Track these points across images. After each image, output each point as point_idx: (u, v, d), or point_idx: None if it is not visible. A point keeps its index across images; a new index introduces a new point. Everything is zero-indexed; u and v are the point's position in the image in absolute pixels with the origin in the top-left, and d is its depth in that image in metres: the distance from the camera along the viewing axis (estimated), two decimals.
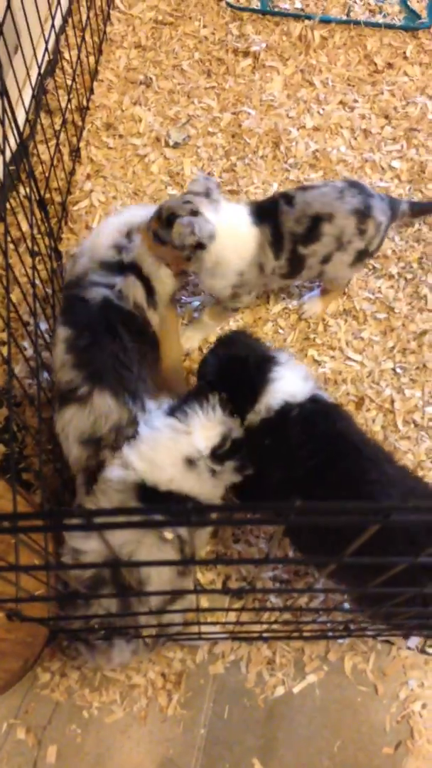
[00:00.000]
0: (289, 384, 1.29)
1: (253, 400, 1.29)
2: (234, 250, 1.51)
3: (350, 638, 1.42)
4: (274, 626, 1.37)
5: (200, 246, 1.46)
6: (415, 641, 1.42)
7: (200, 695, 1.39)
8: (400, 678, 1.40)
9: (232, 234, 1.50)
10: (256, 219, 1.53)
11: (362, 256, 1.57)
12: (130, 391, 1.39)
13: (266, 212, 1.54)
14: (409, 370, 1.66)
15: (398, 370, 1.66)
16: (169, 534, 1.20)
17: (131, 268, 1.48)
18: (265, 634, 1.39)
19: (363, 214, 1.54)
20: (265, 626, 1.35)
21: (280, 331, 1.71)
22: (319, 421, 1.26)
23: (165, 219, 1.45)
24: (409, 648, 1.42)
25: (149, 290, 1.50)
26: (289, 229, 1.52)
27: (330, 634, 1.40)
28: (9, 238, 1.40)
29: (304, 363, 1.67)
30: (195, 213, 1.46)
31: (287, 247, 1.53)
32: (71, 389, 1.37)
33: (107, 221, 1.56)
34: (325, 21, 2.07)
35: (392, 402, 1.62)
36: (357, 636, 1.41)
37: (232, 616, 1.40)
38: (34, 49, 1.70)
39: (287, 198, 1.55)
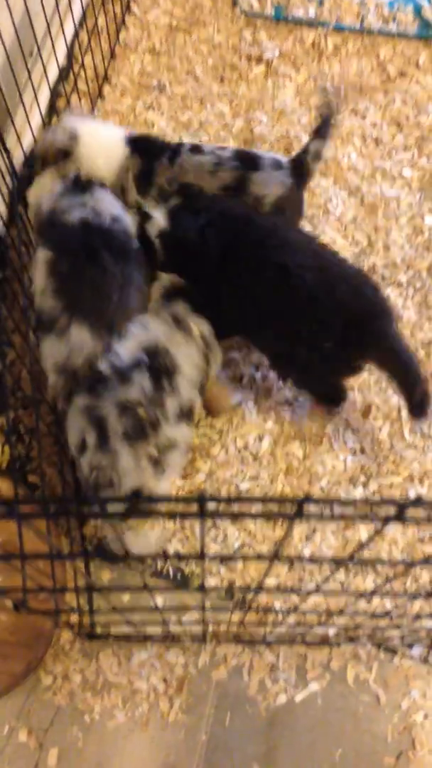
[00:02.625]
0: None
1: None
2: (102, 160, 1.55)
3: (352, 645, 1.42)
4: (278, 630, 1.36)
5: (67, 154, 1.51)
6: (418, 651, 1.41)
7: (202, 701, 1.39)
8: (403, 688, 1.39)
9: (98, 140, 1.55)
10: (130, 145, 1.57)
11: None
12: (107, 322, 1.37)
13: (145, 148, 1.58)
14: None
15: None
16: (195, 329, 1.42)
17: (89, 183, 1.51)
18: (268, 638, 1.39)
19: (234, 190, 1.53)
20: (269, 628, 1.35)
21: None
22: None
23: (55, 155, 1.53)
24: (411, 657, 1.41)
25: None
26: (160, 184, 1.55)
27: (333, 640, 1.40)
28: None
29: None
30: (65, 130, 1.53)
31: (152, 193, 1.56)
32: (51, 320, 1.36)
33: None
34: (339, 29, 2.07)
35: (399, 410, 1.62)
36: (359, 643, 1.41)
37: (235, 618, 1.40)
38: (55, 52, 1.71)
39: (174, 153, 1.56)
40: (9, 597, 0.94)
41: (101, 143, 1.56)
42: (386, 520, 0.66)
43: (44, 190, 1.54)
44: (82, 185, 1.50)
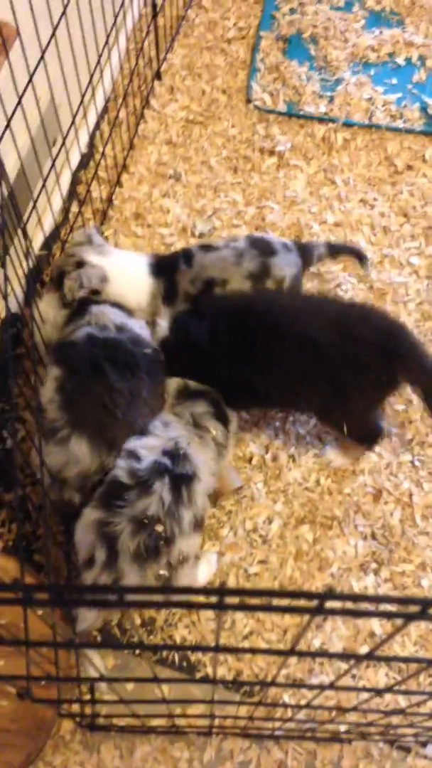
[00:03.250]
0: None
1: None
2: (131, 294, 1.58)
3: (364, 743, 1.36)
4: (287, 725, 1.32)
5: (96, 293, 1.52)
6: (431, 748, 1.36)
7: None
8: None
9: (126, 277, 1.57)
10: (153, 270, 1.60)
11: None
12: (108, 440, 1.38)
13: (164, 266, 1.61)
14: (427, 464, 1.66)
15: (416, 463, 1.65)
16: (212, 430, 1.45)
17: (86, 301, 1.54)
18: (276, 732, 1.34)
19: (258, 277, 1.59)
20: (277, 723, 1.30)
21: (291, 423, 1.72)
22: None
23: (56, 280, 1.52)
24: (426, 757, 1.35)
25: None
26: (184, 289, 1.58)
27: (344, 737, 1.34)
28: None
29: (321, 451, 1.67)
30: (80, 264, 1.53)
31: (179, 306, 1.59)
32: (53, 429, 1.38)
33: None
34: (348, 124, 2.17)
35: (410, 495, 1.61)
36: (372, 740, 1.35)
37: (243, 711, 1.35)
38: (78, 141, 1.79)
39: (187, 257, 1.60)
40: (11, 684, 0.91)
41: (130, 281, 1.59)
42: (409, 618, 0.65)
43: (50, 312, 1.59)
44: (83, 304, 1.55)
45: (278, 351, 1.48)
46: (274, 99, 2.22)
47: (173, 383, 1.52)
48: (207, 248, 1.63)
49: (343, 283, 1.90)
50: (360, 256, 1.84)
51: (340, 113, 2.19)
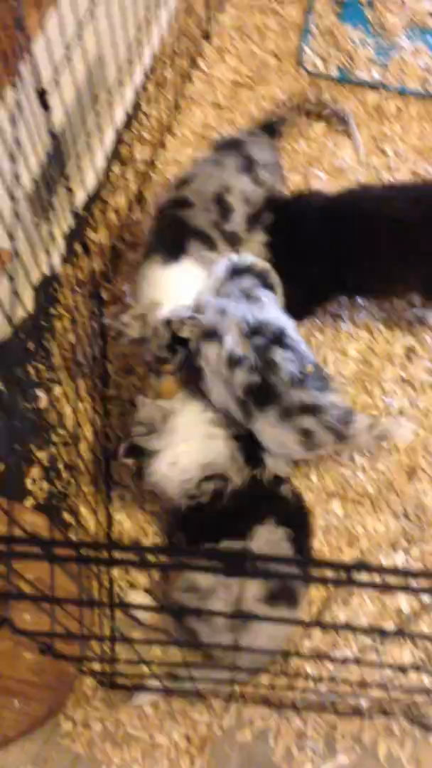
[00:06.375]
0: None
1: None
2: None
3: (385, 719, 1.35)
4: (309, 696, 1.31)
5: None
6: None
7: (224, 764, 1.34)
8: None
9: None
10: None
11: None
12: None
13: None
14: None
15: None
16: None
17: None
18: (297, 703, 1.34)
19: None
20: (299, 694, 1.30)
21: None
22: None
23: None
24: None
25: None
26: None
27: (365, 711, 1.34)
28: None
29: None
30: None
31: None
32: None
33: None
34: (402, 93, 2.10)
35: None
36: (393, 717, 1.34)
37: (265, 680, 1.35)
38: (123, 100, 1.76)
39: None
40: (36, 640, 0.92)
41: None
42: None
43: None
44: None
45: (372, 239, 1.57)
46: (326, 64, 2.16)
47: (221, 266, 1.51)
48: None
49: None
50: (339, 116, 1.89)
51: (393, 81, 2.12)
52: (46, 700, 1.34)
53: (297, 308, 1.58)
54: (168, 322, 1.41)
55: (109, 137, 1.90)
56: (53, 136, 1.27)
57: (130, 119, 2.01)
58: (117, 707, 1.39)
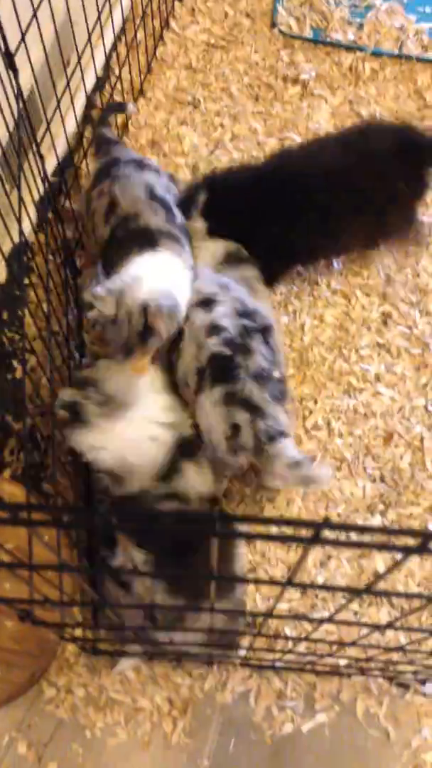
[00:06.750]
0: None
1: None
2: None
3: (364, 678, 1.38)
4: (288, 657, 1.33)
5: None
6: (431, 687, 1.37)
7: (206, 725, 1.36)
8: (414, 725, 1.35)
9: None
10: None
11: None
12: None
13: None
14: None
15: (430, 408, 1.63)
16: None
17: None
18: (277, 664, 1.36)
19: None
20: (278, 654, 1.32)
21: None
22: None
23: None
24: (424, 694, 1.38)
25: None
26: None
27: (343, 671, 1.36)
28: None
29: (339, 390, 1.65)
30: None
31: None
32: None
33: None
34: (377, 54, 2.07)
35: (422, 440, 1.59)
36: (371, 676, 1.37)
37: (244, 642, 1.37)
38: (94, 62, 1.72)
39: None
40: (14, 607, 0.92)
41: None
42: (408, 551, 0.63)
43: None
44: None
45: (309, 196, 1.56)
46: (300, 24, 2.12)
47: (221, 246, 1.51)
48: None
49: None
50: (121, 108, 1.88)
51: (369, 42, 2.09)
52: (29, 667, 1.35)
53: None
54: (145, 309, 1.33)
55: (80, 101, 1.86)
56: (22, 99, 1.24)
57: (102, 82, 1.97)
58: (100, 673, 1.40)
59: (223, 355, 1.34)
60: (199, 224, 1.58)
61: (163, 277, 1.40)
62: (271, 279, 1.66)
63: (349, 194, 1.57)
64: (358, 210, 1.59)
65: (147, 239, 1.42)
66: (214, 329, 1.36)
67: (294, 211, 1.56)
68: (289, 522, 0.66)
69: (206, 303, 1.40)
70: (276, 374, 1.36)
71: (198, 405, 1.36)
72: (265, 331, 1.40)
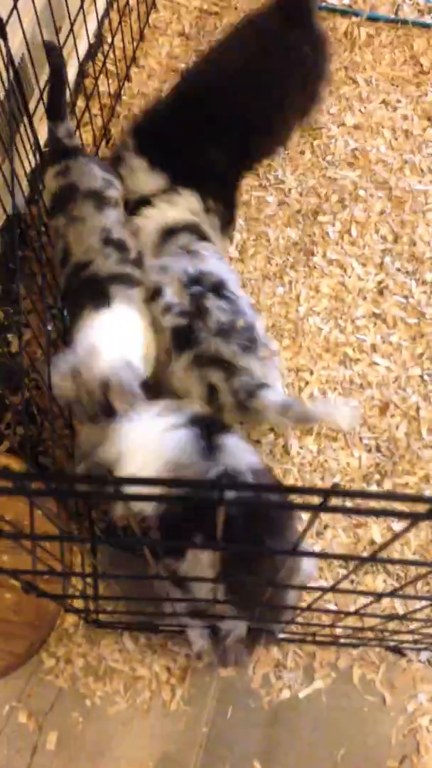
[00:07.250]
0: None
1: None
2: None
3: (362, 647, 1.39)
4: (288, 627, 1.34)
5: None
6: (427, 655, 1.39)
7: (204, 693, 1.37)
8: (410, 691, 1.37)
9: None
10: None
11: None
12: None
13: None
14: None
15: (426, 377, 1.63)
16: None
17: None
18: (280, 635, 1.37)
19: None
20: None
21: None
22: None
23: None
24: (420, 661, 1.39)
25: None
26: None
27: (342, 641, 1.37)
28: None
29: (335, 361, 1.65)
30: None
31: None
32: None
33: None
34: (373, 19, 2.04)
35: (417, 409, 1.59)
36: (369, 645, 1.38)
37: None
38: (86, 29, 1.69)
39: None
40: (19, 579, 0.93)
41: None
42: (417, 517, 0.63)
43: None
44: None
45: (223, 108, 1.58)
46: None
47: (153, 230, 1.52)
48: None
49: (360, 190, 1.82)
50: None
51: (364, 6, 2.05)
52: (28, 637, 1.36)
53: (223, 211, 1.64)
54: (105, 385, 1.28)
55: (73, 69, 1.83)
56: (13, 68, 1.22)
57: (94, 50, 1.93)
58: (99, 643, 1.42)
59: (181, 325, 1.36)
60: (136, 162, 1.60)
61: (118, 340, 1.36)
62: (228, 197, 1.68)
63: (260, 82, 1.59)
64: (276, 97, 1.63)
65: (99, 291, 1.40)
66: (166, 309, 1.38)
67: (218, 120, 1.58)
68: (297, 489, 0.65)
69: (157, 293, 1.40)
70: (240, 323, 1.37)
71: (172, 375, 1.38)
72: (217, 287, 1.40)
